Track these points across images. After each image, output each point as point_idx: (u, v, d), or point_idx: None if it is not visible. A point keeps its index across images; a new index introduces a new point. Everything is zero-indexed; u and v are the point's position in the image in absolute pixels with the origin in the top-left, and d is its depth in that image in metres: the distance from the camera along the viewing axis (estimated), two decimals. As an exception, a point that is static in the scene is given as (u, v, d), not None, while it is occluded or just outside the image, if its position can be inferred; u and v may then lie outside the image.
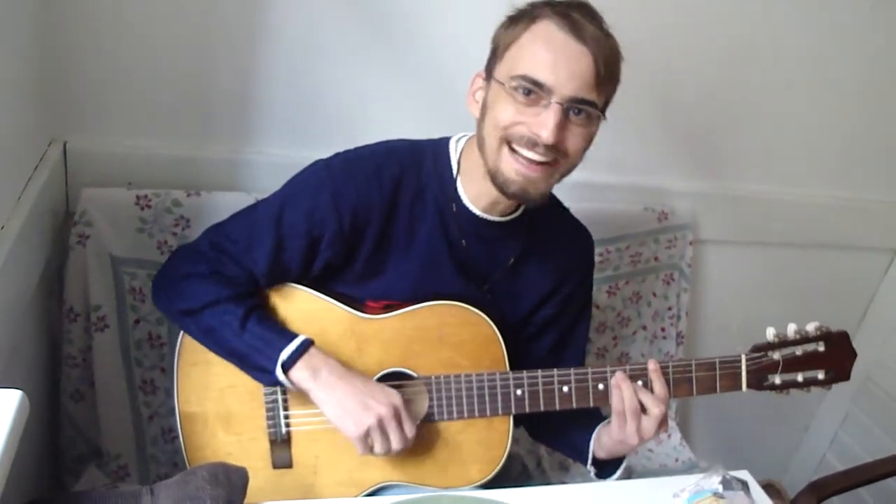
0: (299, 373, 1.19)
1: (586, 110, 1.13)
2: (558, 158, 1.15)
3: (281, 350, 1.19)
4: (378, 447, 1.20)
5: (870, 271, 2.30)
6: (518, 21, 1.16)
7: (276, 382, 1.20)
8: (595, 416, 1.39)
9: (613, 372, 1.26)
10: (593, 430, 1.36)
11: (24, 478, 1.43)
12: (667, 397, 1.26)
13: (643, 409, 1.25)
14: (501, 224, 1.29)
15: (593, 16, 1.14)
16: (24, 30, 1.38)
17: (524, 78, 1.11)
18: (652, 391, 1.25)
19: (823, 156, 2.08)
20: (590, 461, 1.37)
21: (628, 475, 1.60)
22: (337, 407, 1.19)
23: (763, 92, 1.94)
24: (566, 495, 1.25)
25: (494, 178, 1.19)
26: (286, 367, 1.19)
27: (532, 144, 1.13)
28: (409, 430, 1.21)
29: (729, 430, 2.36)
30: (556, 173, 1.18)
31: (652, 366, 1.26)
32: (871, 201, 2.17)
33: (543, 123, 1.11)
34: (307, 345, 1.20)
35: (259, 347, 1.20)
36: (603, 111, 1.16)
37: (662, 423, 1.25)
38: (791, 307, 2.20)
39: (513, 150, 1.15)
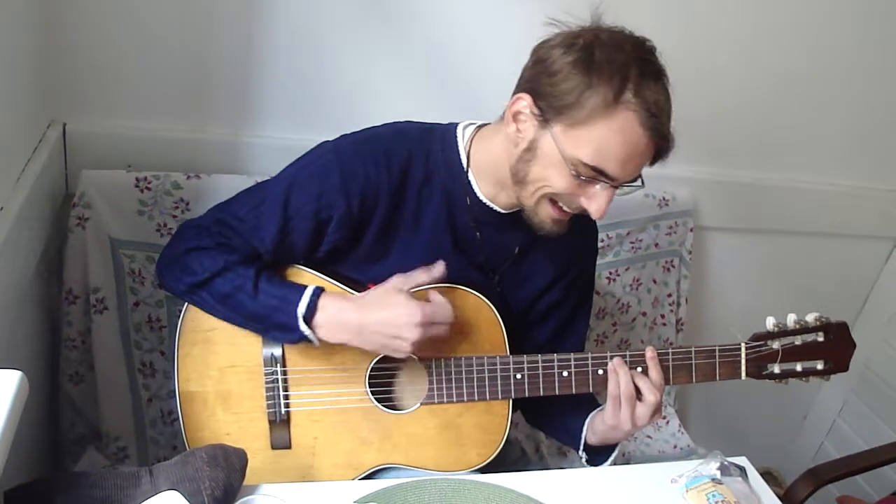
0: (322, 319, 1.20)
1: (632, 186, 1.18)
2: None
3: (297, 303, 1.19)
4: (433, 327, 1.19)
5: (870, 260, 2.30)
6: (596, 85, 1.09)
7: (302, 337, 1.20)
8: (590, 402, 1.39)
9: (613, 357, 1.26)
10: (587, 415, 1.36)
11: (24, 459, 1.43)
12: (663, 385, 1.26)
13: (639, 396, 1.25)
14: (510, 214, 1.28)
15: (664, 84, 1.13)
16: (23, 12, 1.38)
17: (593, 169, 1.12)
18: (649, 378, 1.25)
19: (825, 144, 2.08)
20: (581, 446, 1.37)
21: (626, 461, 1.60)
22: (380, 337, 1.19)
23: (764, 79, 1.93)
24: (564, 480, 1.25)
25: (526, 214, 1.22)
26: (307, 317, 1.19)
27: (578, 210, 1.18)
28: (445, 311, 1.21)
29: (727, 417, 2.37)
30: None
31: (650, 353, 1.26)
32: (872, 189, 2.17)
33: (597, 202, 1.15)
34: (319, 292, 1.21)
35: (276, 305, 1.20)
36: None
37: (657, 410, 1.25)
38: (791, 295, 2.20)
39: (554, 203, 1.19)
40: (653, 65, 1.12)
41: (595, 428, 1.33)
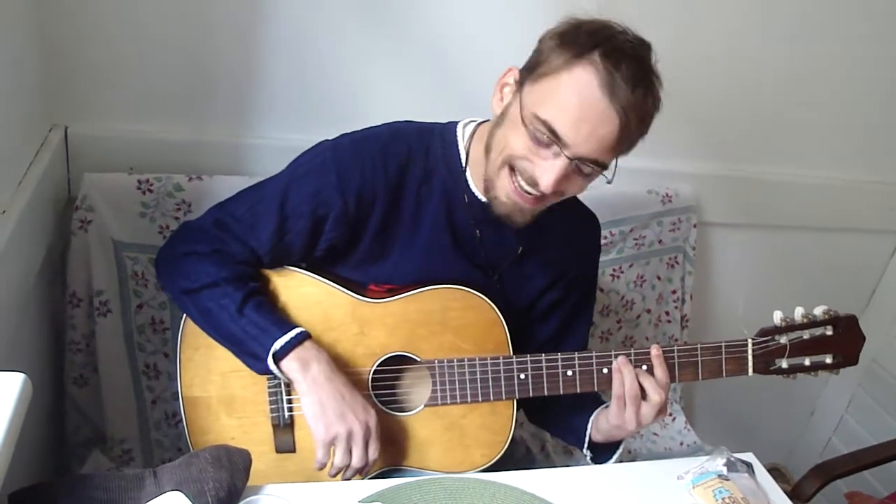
0: (289, 363, 1.19)
1: (593, 169, 1.12)
2: (549, 196, 1.15)
3: (275, 339, 1.18)
4: (339, 459, 1.20)
5: (876, 254, 2.29)
6: (568, 46, 1.09)
7: (267, 371, 1.20)
8: (594, 400, 1.38)
9: (617, 356, 1.26)
10: (591, 413, 1.35)
11: (30, 462, 1.43)
12: (668, 383, 1.25)
13: (643, 395, 1.24)
14: None
15: (643, 70, 1.08)
16: (25, 16, 1.38)
17: (545, 124, 1.08)
18: (654, 376, 1.25)
19: (829, 138, 2.07)
20: (586, 445, 1.36)
21: (633, 458, 1.60)
22: (315, 406, 1.19)
23: (767, 73, 1.92)
24: (570, 478, 1.25)
25: (487, 189, 1.20)
26: (277, 357, 1.18)
27: (531, 182, 1.14)
28: (373, 453, 1.21)
29: (734, 413, 2.36)
30: (545, 205, 1.19)
31: (655, 351, 1.25)
32: (878, 183, 2.16)
33: (547, 171, 1.11)
34: (302, 337, 1.20)
35: (254, 335, 1.19)
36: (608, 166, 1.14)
37: (662, 409, 1.24)
38: (796, 290, 2.19)
39: (512, 172, 1.15)
40: (635, 51, 1.09)
41: (599, 426, 1.33)
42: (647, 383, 1.23)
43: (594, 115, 1.07)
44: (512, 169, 1.15)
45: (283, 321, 1.22)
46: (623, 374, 1.24)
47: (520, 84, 1.14)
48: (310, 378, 1.19)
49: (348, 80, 1.69)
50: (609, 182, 1.14)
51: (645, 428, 1.27)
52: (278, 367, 1.19)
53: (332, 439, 1.19)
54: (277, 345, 1.18)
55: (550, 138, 1.09)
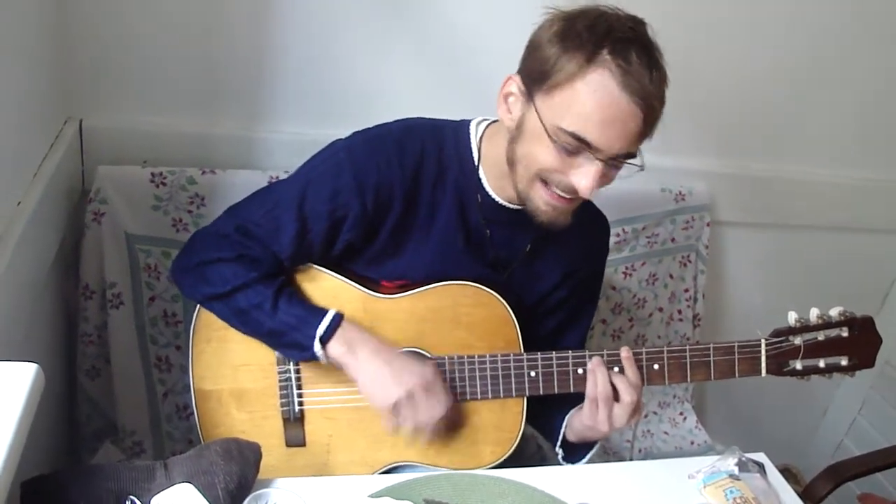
0: (336, 348, 1.20)
1: (626, 162, 1.12)
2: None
3: (316, 326, 1.19)
4: (407, 419, 1.20)
5: (890, 254, 2.27)
6: (573, 50, 1.06)
7: (313, 357, 1.21)
8: (575, 399, 1.35)
9: (592, 356, 1.25)
10: (567, 413, 1.34)
11: (42, 453, 1.44)
12: (640, 385, 1.24)
13: (616, 397, 1.23)
14: (520, 210, 1.27)
15: (649, 51, 1.07)
16: (39, 9, 1.38)
17: (572, 135, 1.07)
18: (626, 377, 1.23)
19: (843, 136, 2.06)
20: (558, 444, 1.35)
21: (643, 457, 1.59)
22: (369, 379, 1.20)
23: (782, 72, 1.91)
24: (580, 475, 1.24)
25: (524, 202, 1.19)
26: (324, 341, 1.19)
27: (568, 189, 1.13)
28: (442, 403, 1.21)
29: (745, 413, 2.35)
30: (582, 202, 1.19)
31: (624, 353, 1.24)
32: (892, 182, 2.14)
33: (584, 177, 1.10)
34: (339, 319, 1.21)
35: (294, 325, 1.20)
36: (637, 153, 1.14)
37: (635, 411, 1.23)
38: (809, 290, 2.17)
39: (546, 184, 1.15)
40: (637, 33, 1.08)
41: (573, 426, 1.32)
42: (620, 384, 1.22)
43: (619, 115, 1.06)
44: (544, 181, 1.15)
45: (316, 308, 1.23)
46: (596, 374, 1.23)
47: (528, 95, 1.13)
48: (359, 357, 1.20)
49: (362, 75, 1.69)
50: (641, 168, 1.14)
51: (619, 430, 1.25)
52: (325, 353, 1.20)
53: (393, 404, 1.18)
54: (321, 330, 1.19)
55: (581, 147, 1.08)
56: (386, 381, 1.19)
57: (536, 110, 1.11)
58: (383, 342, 1.23)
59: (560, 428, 1.35)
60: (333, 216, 1.22)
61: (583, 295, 1.42)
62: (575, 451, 1.35)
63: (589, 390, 1.23)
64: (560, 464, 1.37)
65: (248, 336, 1.26)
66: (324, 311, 1.21)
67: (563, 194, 1.14)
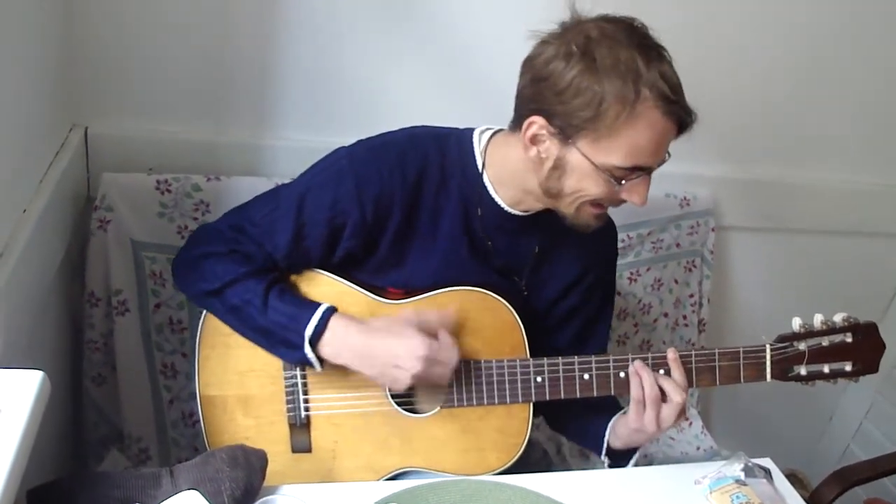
0: (325, 349, 1.20)
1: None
2: None
3: (306, 323, 1.19)
4: (436, 377, 1.20)
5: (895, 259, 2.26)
6: (610, 98, 1.07)
7: (304, 359, 1.20)
8: (611, 405, 1.37)
9: (635, 359, 1.25)
10: (610, 419, 1.34)
11: (48, 460, 1.45)
12: (687, 386, 1.24)
13: (663, 398, 1.23)
14: (526, 217, 1.27)
15: (667, 59, 1.11)
16: (45, 16, 1.39)
17: (630, 169, 1.12)
18: (673, 379, 1.24)
19: (847, 141, 2.05)
20: (604, 451, 1.35)
21: (649, 462, 1.58)
22: (377, 368, 1.19)
23: (786, 77, 1.91)
24: (586, 481, 1.24)
25: (569, 220, 1.22)
26: (313, 340, 1.19)
27: (618, 204, 1.19)
28: (448, 345, 1.21)
29: (751, 418, 2.34)
30: None
31: (671, 354, 1.24)
32: (896, 187, 2.13)
33: (638, 193, 1.16)
34: (330, 313, 1.20)
35: (283, 323, 1.20)
36: None
37: (682, 411, 1.24)
38: (814, 295, 2.17)
39: (595, 204, 1.19)
40: (651, 46, 1.10)
41: (618, 432, 1.32)
42: (667, 385, 1.23)
43: (666, 135, 1.12)
44: (593, 203, 1.18)
45: (307, 302, 1.23)
46: (642, 377, 1.23)
47: (563, 137, 1.12)
48: (351, 354, 1.20)
49: (368, 82, 1.69)
50: (669, 155, 1.18)
51: (664, 432, 1.26)
52: (315, 350, 1.20)
53: (420, 373, 1.17)
54: (310, 328, 1.18)
55: (636, 173, 1.13)
56: (402, 343, 1.18)
57: (580, 152, 1.12)
58: (369, 323, 1.22)
59: (604, 434, 1.34)
60: (332, 223, 1.22)
61: (597, 302, 1.41)
62: (620, 457, 1.35)
63: (635, 393, 1.23)
64: (604, 468, 1.37)
65: (245, 337, 1.25)
66: (314, 306, 1.21)
67: (612, 206, 1.20)
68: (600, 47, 1.08)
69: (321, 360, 1.21)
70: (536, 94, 1.13)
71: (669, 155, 1.17)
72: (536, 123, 1.14)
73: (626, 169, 1.12)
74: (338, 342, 1.20)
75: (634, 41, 1.09)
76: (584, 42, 1.09)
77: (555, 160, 1.15)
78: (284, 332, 1.20)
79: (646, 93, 1.07)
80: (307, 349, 1.19)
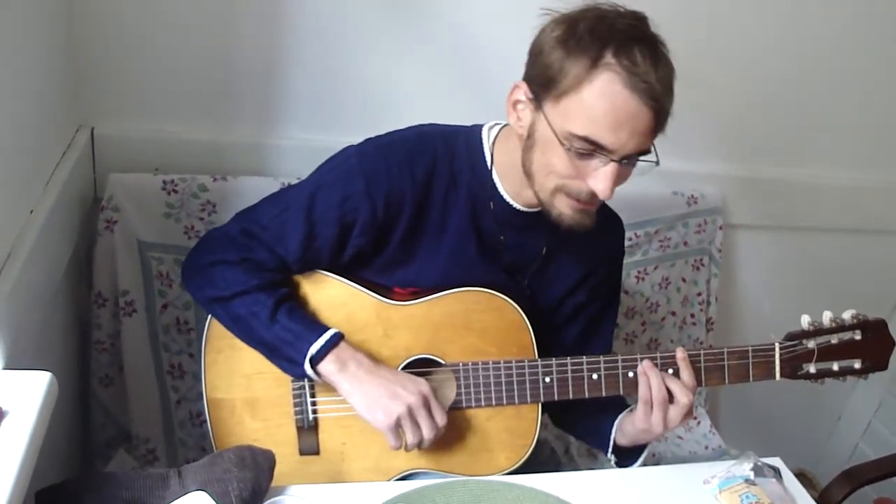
0: (327, 366, 1.19)
1: (640, 159, 1.12)
2: None
3: (311, 343, 1.19)
4: (409, 437, 1.19)
5: (904, 256, 2.25)
6: (577, 54, 1.06)
7: (304, 375, 1.20)
8: (617, 404, 1.37)
9: (643, 359, 1.24)
10: (615, 417, 1.34)
11: (56, 461, 1.45)
12: (695, 386, 1.23)
13: (671, 398, 1.23)
14: (534, 214, 1.27)
15: (653, 46, 1.07)
16: (51, 17, 1.39)
17: (584, 140, 1.07)
18: (681, 379, 1.23)
19: (854, 139, 2.05)
20: (610, 449, 1.35)
21: (657, 462, 1.58)
22: (365, 399, 1.19)
23: (794, 74, 1.90)
24: (594, 481, 1.24)
25: (546, 210, 1.18)
26: (314, 361, 1.19)
27: (589, 196, 1.13)
28: (440, 418, 1.21)
29: (759, 418, 2.33)
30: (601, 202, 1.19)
31: (680, 354, 1.24)
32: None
33: (600, 180, 1.10)
34: (337, 339, 1.21)
35: (289, 340, 1.20)
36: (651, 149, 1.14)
37: (689, 412, 1.23)
38: (822, 293, 2.16)
39: (568, 195, 1.14)
40: (639, 30, 1.08)
41: (625, 430, 1.31)
42: (675, 386, 1.22)
43: (629, 115, 1.06)
44: (566, 193, 1.14)
45: (316, 324, 1.23)
46: (650, 377, 1.22)
47: (536, 102, 1.12)
48: (349, 376, 1.19)
49: (374, 82, 1.69)
50: (657, 164, 1.14)
51: (670, 432, 1.25)
52: (316, 371, 1.19)
53: (395, 422, 1.18)
54: (314, 349, 1.18)
55: (594, 150, 1.08)
56: (383, 401, 1.18)
57: (546, 117, 1.11)
58: (379, 363, 1.23)
59: (609, 433, 1.34)
60: (342, 221, 1.22)
61: (601, 301, 1.41)
62: (627, 455, 1.35)
63: (643, 393, 1.23)
64: (612, 467, 1.36)
65: (248, 345, 1.26)
66: (323, 329, 1.21)
67: (584, 199, 1.14)
68: (587, 19, 1.08)
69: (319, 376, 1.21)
70: (527, 63, 1.15)
71: (657, 159, 1.13)
72: (519, 88, 1.15)
73: (583, 139, 1.07)
74: (340, 363, 1.20)
75: (623, 20, 1.08)
76: (577, 16, 1.09)
77: (528, 129, 1.15)
78: (287, 349, 1.20)
79: (609, 58, 1.05)
80: (307, 366, 1.19)
